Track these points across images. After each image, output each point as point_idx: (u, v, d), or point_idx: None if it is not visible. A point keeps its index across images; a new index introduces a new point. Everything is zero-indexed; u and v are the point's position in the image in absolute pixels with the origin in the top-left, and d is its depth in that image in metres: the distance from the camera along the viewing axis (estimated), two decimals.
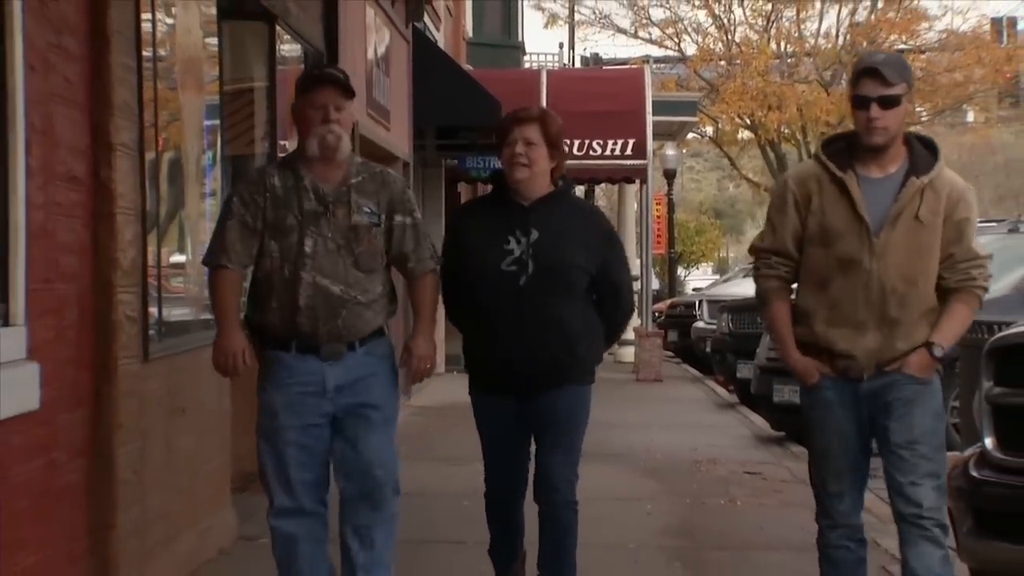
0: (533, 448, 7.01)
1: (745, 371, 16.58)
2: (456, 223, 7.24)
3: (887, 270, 6.07)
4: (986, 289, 6.25)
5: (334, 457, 6.49)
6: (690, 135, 43.31)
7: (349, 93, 6.39)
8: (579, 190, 31.64)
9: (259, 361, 6.48)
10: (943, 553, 6.10)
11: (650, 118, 25.39)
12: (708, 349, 24.00)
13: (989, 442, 6.79)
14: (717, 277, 50.38)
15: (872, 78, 6.07)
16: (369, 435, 6.44)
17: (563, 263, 6.75)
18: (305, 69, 6.20)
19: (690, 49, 41.72)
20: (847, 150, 6.25)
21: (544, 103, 23.55)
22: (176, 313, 8.32)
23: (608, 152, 24.93)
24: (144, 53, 7.46)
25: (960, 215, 6.14)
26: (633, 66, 35.77)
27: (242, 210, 6.37)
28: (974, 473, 6.80)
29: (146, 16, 7.57)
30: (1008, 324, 8.03)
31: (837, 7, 38.58)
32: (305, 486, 6.44)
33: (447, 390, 18.86)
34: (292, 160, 6.49)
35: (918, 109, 40.52)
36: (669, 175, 38.40)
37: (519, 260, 6.73)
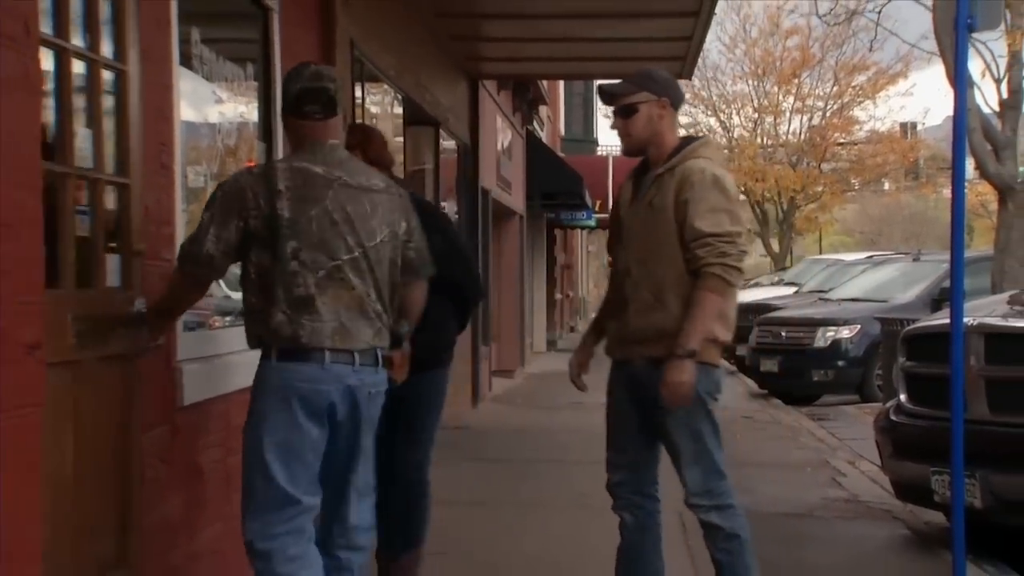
0: None
1: (741, 350, 16.39)
2: None
3: (629, 256, 4.33)
4: (728, 267, 4.15)
5: None
6: None
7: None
8: None
9: None
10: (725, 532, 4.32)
11: None
12: None
13: (903, 397, 6.72)
14: None
15: (607, 103, 4.43)
16: None
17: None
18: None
19: None
20: None
21: (611, 179, 23.56)
22: None
23: None
24: None
25: (683, 196, 4.17)
26: None
27: None
28: (893, 417, 6.75)
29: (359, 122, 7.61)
30: (915, 320, 8.07)
31: (800, 116, 38.27)
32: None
33: (549, 362, 18.89)
34: None
35: (852, 180, 40.10)
36: None
37: None
